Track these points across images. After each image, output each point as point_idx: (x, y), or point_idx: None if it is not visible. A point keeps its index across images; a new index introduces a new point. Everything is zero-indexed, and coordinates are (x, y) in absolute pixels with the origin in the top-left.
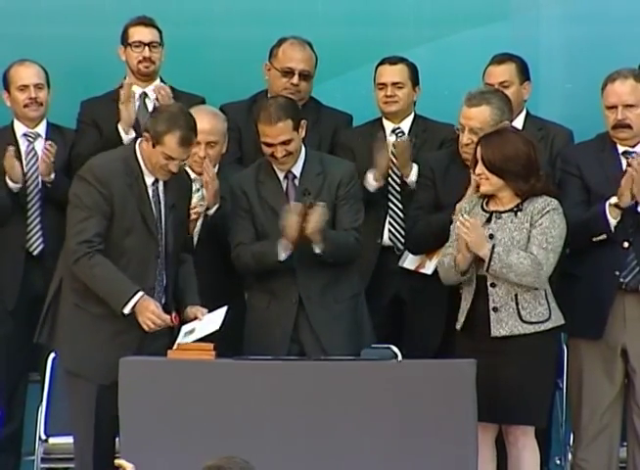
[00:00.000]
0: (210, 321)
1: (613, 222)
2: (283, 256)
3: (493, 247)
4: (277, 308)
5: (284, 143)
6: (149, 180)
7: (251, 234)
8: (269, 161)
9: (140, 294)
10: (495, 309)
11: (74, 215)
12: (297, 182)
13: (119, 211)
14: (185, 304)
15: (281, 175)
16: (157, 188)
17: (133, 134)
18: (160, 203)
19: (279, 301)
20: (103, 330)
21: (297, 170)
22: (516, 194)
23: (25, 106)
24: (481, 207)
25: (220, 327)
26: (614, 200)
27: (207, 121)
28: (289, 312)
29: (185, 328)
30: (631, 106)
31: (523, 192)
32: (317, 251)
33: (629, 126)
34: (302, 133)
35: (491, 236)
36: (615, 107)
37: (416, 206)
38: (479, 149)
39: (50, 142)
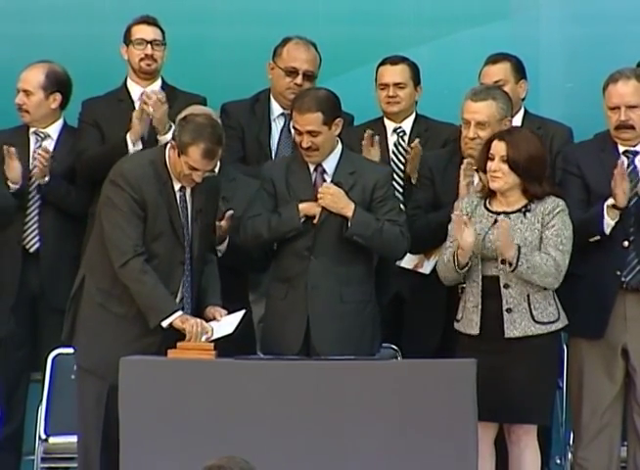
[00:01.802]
0: (227, 324)
1: (610, 223)
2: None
3: (519, 248)
4: (293, 298)
5: (310, 133)
6: (177, 186)
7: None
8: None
9: (180, 313)
10: (509, 310)
11: (115, 219)
12: (326, 177)
13: (151, 216)
14: (206, 303)
15: (311, 168)
16: (184, 194)
17: (140, 146)
18: (187, 208)
19: (295, 290)
20: (125, 331)
21: (327, 166)
22: (524, 194)
23: (18, 109)
24: (485, 207)
25: (234, 331)
26: (611, 201)
27: None
28: (303, 301)
29: None
30: (634, 107)
31: (532, 194)
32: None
33: (632, 127)
34: (336, 131)
35: None
36: (617, 107)
37: (414, 205)
38: (502, 146)
39: (45, 146)
